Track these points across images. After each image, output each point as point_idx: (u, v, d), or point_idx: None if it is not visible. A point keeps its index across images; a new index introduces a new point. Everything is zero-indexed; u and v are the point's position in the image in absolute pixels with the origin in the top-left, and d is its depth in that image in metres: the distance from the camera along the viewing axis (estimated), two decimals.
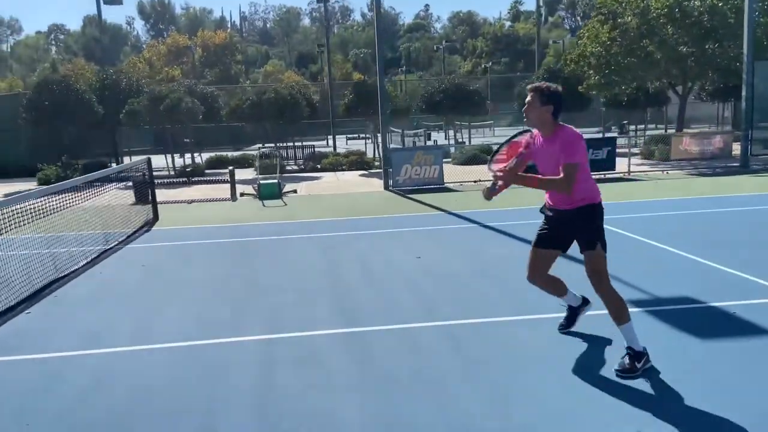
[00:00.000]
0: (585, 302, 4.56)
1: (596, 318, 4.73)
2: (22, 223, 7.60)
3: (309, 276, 6.73)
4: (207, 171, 20.21)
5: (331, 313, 5.41)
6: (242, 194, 14.00)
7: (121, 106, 20.26)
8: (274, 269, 7.16)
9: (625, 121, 33.41)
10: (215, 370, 4.21)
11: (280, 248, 8.39)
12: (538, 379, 3.88)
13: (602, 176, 15.05)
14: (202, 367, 4.29)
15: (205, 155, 23.61)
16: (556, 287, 4.43)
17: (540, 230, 4.24)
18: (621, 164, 15.73)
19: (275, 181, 13.73)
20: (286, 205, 12.62)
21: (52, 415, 3.65)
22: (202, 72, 49.18)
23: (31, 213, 8.10)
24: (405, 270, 6.82)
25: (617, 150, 16.74)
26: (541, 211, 4.24)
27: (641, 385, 3.72)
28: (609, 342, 4.42)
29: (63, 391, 3.98)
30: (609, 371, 3.93)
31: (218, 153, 23.57)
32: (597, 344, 4.41)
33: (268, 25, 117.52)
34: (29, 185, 16.09)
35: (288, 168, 20.07)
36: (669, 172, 15.90)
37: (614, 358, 4.15)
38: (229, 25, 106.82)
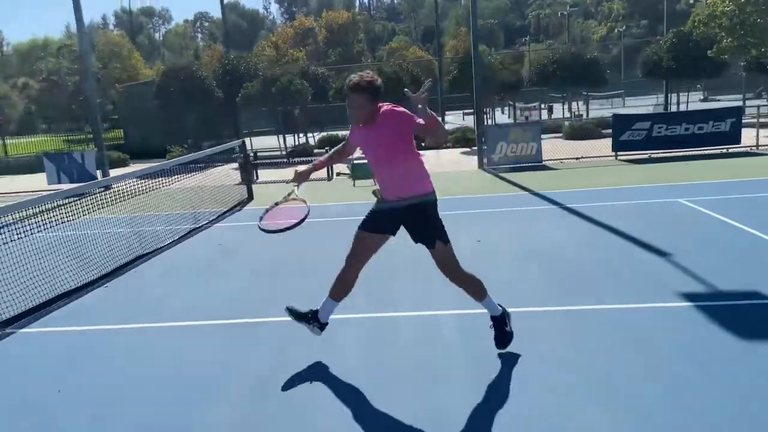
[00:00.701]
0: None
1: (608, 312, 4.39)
2: (119, 202, 8.48)
3: None
4: (316, 150, 20.99)
5: (364, 296, 5.47)
6: (338, 174, 14.42)
7: (240, 89, 21.59)
8: (335, 250, 7.33)
9: None
10: (236, 350, 4.46)
11: (351, 229, 8.56)
12: (542, 373, 3.70)
13: (723, 150, 13.58)
14: (225, 345, 4.57)
15: (318, 135, 24.51)
16: (345, 288, 4.11)
17: (370, 213, 4.00)
18: (750, 137, 14.07)
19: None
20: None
21: (81, 383, 4.09)
22: (326, 52, 50.79)
23: (131, 193, 9.02)
24: (459, 254, 6.68)
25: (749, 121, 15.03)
26: (374, 193, 4.03)
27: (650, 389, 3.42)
28: (625, 337, 4.10)
29: (97, 361, 4.45)
30: (625, 368, 3.65)
31: (330, 132, 24.36)
32: (608, 340, 4.10)
33: (395, 1, 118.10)
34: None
35: None
36: None
37: (638, 353, 3.86)
38: (357, 4, 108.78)
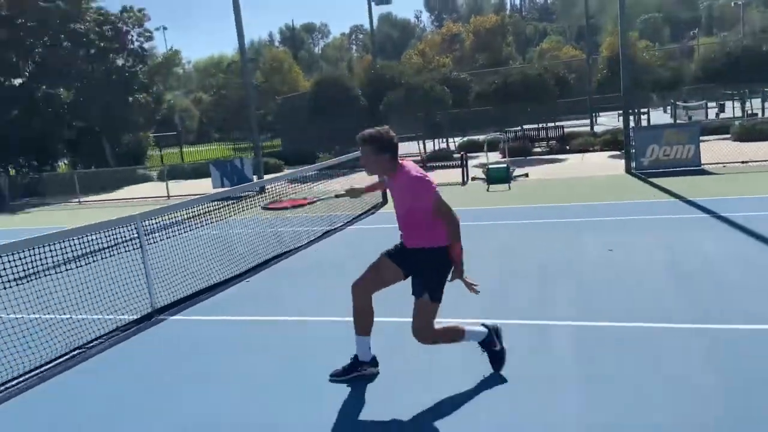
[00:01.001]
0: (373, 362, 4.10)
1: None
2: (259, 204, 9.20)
3: (478, 264, 6.77)
4: (455, 156, 20.99)
5: (479, 303, 5.43)
6: (473, 178, 14.34)
7: (384, 97, 22.31)
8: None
9: None
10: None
11: (475, 234, 8.51)
12: (667, 397, 3.45)
13: None
14: (348, 346, 4.78)
15: (459, 139, 24.50)
16: (366, 320, 3.94)
17: (398, 245, 3.93)
18: None
19: (504, 165, 13.73)
20: (510, 189, 12.56)
21: (190, 372, 4.51)
22: (473, 57, 50.59)
23: (280, 195, 9.76)
24: (586, 264, 6.41)
25: None
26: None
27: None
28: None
29: (230, 350, 4.90)
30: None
31: (471, 137, 24.23)
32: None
33: (548, 1, 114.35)
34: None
35: (535, 150, 19.69)
36: None
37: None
38: (508, 6, 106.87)
